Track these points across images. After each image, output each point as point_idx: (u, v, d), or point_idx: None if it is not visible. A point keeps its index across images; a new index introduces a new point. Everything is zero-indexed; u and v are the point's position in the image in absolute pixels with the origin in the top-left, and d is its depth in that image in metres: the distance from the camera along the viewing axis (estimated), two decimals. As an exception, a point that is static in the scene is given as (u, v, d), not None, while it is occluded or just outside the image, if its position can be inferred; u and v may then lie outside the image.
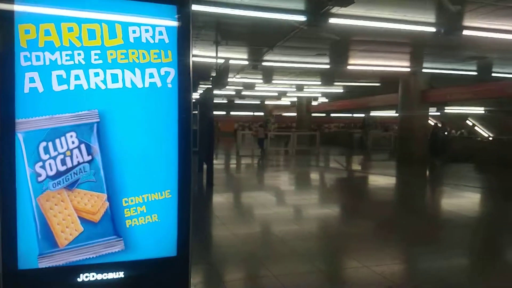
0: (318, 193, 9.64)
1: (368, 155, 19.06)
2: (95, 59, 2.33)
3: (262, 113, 41.80)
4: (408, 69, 14.19)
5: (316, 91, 23.93)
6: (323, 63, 13.22)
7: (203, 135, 9.86)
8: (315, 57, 12.30)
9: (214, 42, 10.08)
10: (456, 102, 16.20)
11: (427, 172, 13.65)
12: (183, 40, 2.50)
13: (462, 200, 8.50)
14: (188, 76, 2.50)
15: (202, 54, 11.13)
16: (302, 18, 7.25)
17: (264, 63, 12.69)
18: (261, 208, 7.27)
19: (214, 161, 17.10)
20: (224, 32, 9.55)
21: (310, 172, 13.70)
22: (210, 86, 10.87)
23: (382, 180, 11.71)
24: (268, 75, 17.35)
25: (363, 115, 36.89)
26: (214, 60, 10.79)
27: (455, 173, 13.38)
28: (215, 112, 37.72)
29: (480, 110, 20.01)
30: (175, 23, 2.48)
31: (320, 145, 20.23)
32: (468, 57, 12.16)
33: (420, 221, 6.40)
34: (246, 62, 12.71)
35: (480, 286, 3.90)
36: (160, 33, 2.45)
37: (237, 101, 36.66)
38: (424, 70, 14.35)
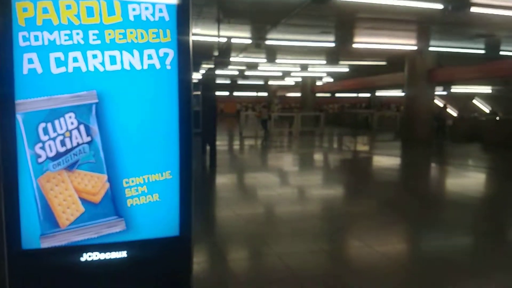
0: (320, 173, 9.65)
1: (372, 136, 18.99)
2: (93, 39, 2.30)
3: (266, 94, 41.62)
4: (415, 47, 13.94)
5: (321, 71, 23.67)
6: (328, 41, 13.01)
7: (206, 116, 9.80)
8: (319, 35, 12.09)
9: (216, 20, 9.91)
10: (463, 81, 15.96)
11: (432, 152, 13.56)
12: (183, 18, 2.44)
13: (464, 180, 8.50)
14: (188, 56, 2.45)
15: (204, 32, 10.98)
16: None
17: (267, 42, 12.50)
18: (264, 189, 7.28)
19: (217, 143, 17.21)
20: (227, 9, 9.39)
21: (313, 153, 13.66)
22: (213, 66, 10.72)
23: (384, 160, 11.70)
24: (272, 54, 17.14)
25: (368, 95, 36.71)
26: (216, 39, 10.66)
27: (460, 153, 13.34)
28: (218, 93, 37.49)
29: (487, 89, 19.73)
30: (174, 0, 2.42)
31: (324, 126, 20.16)
32: (476, 35, 11.92)
33: (418, 202, 6.39)
34: (250, 41, 12.52)
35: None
36: (160, 10, 2.39)
37: (241, 82, 36.46)
38: (431, 49, 14.09)
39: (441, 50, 14.45)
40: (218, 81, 35.07)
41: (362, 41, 13.06)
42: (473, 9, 7.96)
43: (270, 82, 36.74)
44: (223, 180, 8.23)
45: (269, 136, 18.24)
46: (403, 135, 15.82)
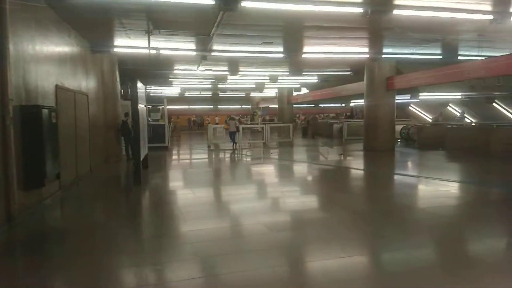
0: (258, 189, 9.15)
1: (342, 146, 18.61)
2: None
3: (249, 106, 41.42)
4: (367, 56, 13.62)
5: (290, 82, 23.47)
6: (275, 52, 12.69)
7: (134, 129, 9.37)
8: (263, 46, 11.78)
9: (146, 32, 9.59)
10: (421, 87, 15.59)
11: (390, 162, 13.12)
12: None
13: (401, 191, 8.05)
14: None
15: (138, 44, 10.66)
16: (210, 1, 6.74)
17: (213, 53, 12.16)
18: (181, 209, 6.70)
19: (182, 156, 16.80)
20: (155, 20, 9.07)
21: (267, 166, 13.20)
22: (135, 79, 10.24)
23: (334, 171, 11.27)
24: (232, 66, 16.84)
25: (353, 104, 36.42)
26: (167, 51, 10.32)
27: (419, 161, 12.94)
28: (202, 107, 36.79)
29: (457, 95, 19.38)
30: None
31: (303, 137, 19.76)
32: (423, 39, 11.61)
33: (350, 215, 5.96)
34: (194, 53, 12.19)
35: None
36: None
37: (222, 94, 36.22)
38: (387, 56, 13.76)
39: (398, 57, 14.17)
40: (203, 94, 35.01)
41: (311, 51, 12.72)
42: (396, 12, 7.64)
43: (252, 94, 36.46)
44: (139, 197, 7.73)
45: (238, 149, 17.81)
46: (365, 144, 15.41)
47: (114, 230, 5.43)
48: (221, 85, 25.38)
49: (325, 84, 22.42)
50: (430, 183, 8.79)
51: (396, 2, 7.54)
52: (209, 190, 8.62)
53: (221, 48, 11.85)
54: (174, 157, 16.01)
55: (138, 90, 9.52)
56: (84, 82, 10.40)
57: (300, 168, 12.27)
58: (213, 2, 6.79)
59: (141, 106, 9.95)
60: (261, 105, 40.66)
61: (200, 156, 16.77)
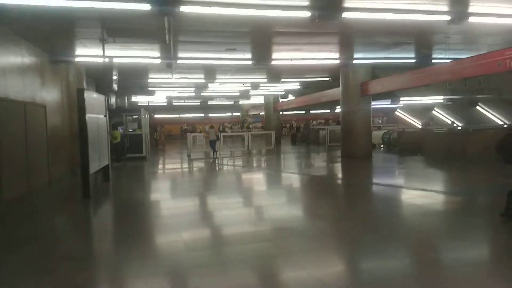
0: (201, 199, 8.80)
1: (324, 153, 18.33)
2: None
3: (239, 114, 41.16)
4: (338, 61, 13.34)
5: (274, 89, 23.24)
6: (244, 59, 12.43)
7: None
8: (228, 53, 11.52)
9: (100, 40, 9.34)
10: (395, 91, 15.28)
11: (362, 169, 12.78)
12: None
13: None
14: None
15: (96, 53, 10.40)
16: (146, 6, 6.46)
17: (179, 61, 11.88)
18: (120, 228, 6.38)
19: (157, 167, 16.45)
20: (105, 28, 8.82)
21: (240, 175, 12.89)
22: (82, 88, 9.98)
23: (305, 180, 10.94)
24: (207, 73, 16.60)
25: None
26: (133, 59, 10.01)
27: (392, 169, 12.61)
28: (193, 115, 36.46)
29: (438, 99, 19.11)
30: None
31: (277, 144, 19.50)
32: (391, 43, 11.36)
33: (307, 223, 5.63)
34: (158, 61, 11.92)
35: None
36: None
37: (211, 102, 36.01)
38: (357, 61, 13.47)
39: (372, 62, 13.93)
40: (191, 102, 34.85)
41: (280, 58, 12.47)
42: (346, 15, 7.37)
43: (241, 102, 36.21)
44: (86, 216, 7.38)
45: (218, 158, 17.49)
46: (343, 151, 15.08)
47: (27, 250, 5.10)
48: (204, 93, 25.12)
49: (308, 90, 22.20)
50: (397, 192, 8.50)
51: (345, 5, 7.27)
52: (168, 203, 8.18)
53: (186, 55, 11.59)
54: (148, 167, 15.64)
55: (94, 100, 9.30)
56: (40, 93, 10.12)
57: (269, 177, 11.95)
58: (149, 8, 6.52)
59: (98, 116, 9.69)
60: (251, 113, 40.48)
61: (177, 166, 16.45)
